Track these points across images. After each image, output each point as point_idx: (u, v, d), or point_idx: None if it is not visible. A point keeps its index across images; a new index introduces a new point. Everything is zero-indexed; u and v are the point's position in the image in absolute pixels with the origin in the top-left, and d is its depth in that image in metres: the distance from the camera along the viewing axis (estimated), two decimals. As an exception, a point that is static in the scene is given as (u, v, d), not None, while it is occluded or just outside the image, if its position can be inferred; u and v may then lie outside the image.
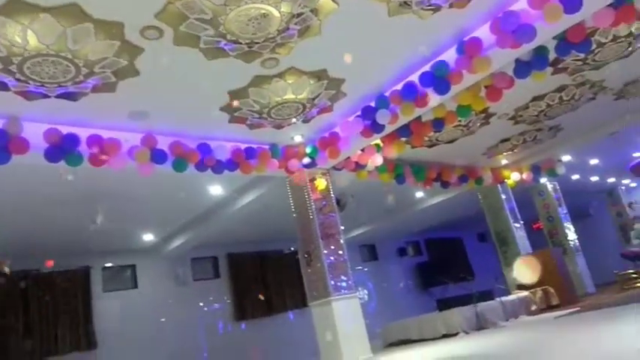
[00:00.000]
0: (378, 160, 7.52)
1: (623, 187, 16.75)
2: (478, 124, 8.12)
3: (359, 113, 6.49)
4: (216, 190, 8.13)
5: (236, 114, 5.91)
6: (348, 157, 7.43)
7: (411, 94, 5.88)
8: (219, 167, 6.37)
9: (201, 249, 11.03)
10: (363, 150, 7.39)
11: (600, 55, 6.54)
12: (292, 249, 12.41)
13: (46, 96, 4.69)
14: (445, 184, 9.91)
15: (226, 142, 6.51)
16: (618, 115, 9.20)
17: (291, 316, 12.29)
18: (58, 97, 4.76)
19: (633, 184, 16.59)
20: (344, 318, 6.74)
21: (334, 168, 7.64)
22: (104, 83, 4.71)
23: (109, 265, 10.25)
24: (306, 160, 7.16)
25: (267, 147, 6.92)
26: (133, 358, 9.54)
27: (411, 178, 9.04)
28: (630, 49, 6.56)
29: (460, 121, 7.54)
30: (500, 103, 6.65)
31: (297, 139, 7.00)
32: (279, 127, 6.50)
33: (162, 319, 10.31)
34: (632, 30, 6.06)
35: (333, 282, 6.89)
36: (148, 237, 9.92)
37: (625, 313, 5.55)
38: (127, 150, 5.61)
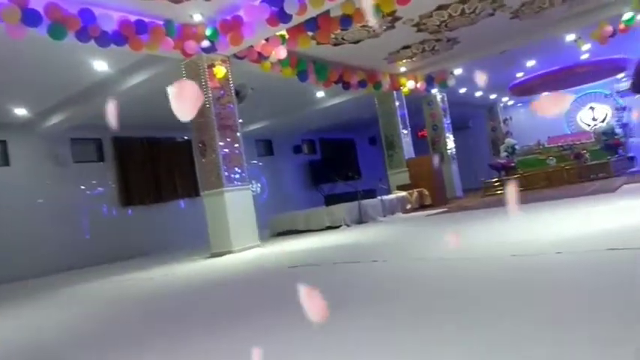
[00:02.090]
0: (282, 52, 7.28)
1: (502, 105, 18.32)
2: (384, 28, 8.12)
3: (266, -2, 6.10)
4: (101, 65, 7.37)
5: (126, -21, 5.22)
6: (251, 46, 7.09)
7: (322, -16, 5.62)
8: (104, 39, 5.71)
9: (84, 130, 10.21)
10: (267, 40, 7.07)
11: (506, -29, 6.72)
12: (186, 138, 12.03)
13: None
14: (346, 86, 10.01)
15: (113, 12, 5.79)
16: (510, 35, 9.74)
17: (182, 204, 12.25)
18: None
19: (511, 102, 18.19)
20: (235, 208, 6.88)
21: (235, 56, 7.27)
22: None
23: (-27, 138, 9.18)
24: (205, 44, 6.69)
25: (161, 23, 6.29)
26: (5, 238, 9.01)
27: (313, 77, 8.96)
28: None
29: (367, 21, 7.47)
30: (408, 6, 6.65)
31: (197, 18, 6.45)
32: (175, 1, 5.90)
33: (40, 200, 9.70)
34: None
35: (226, 173, 6.90)
36: (20, 111, 8.89)
37: (482, 215, 6.37)
38: (-11, 5, 4.77)
